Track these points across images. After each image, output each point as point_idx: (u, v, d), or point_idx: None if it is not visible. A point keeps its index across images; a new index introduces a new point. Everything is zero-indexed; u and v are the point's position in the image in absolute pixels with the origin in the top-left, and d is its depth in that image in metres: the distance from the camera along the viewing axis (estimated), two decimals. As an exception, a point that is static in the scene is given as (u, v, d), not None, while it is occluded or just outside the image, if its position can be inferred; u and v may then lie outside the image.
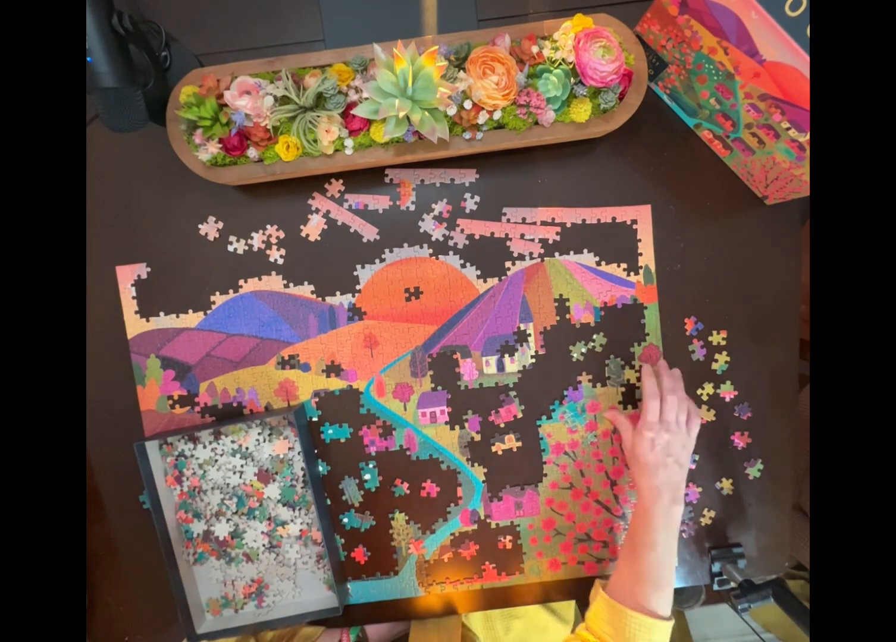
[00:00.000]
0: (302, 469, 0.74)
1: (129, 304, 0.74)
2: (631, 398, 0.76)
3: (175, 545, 0.72)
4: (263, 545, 0.75)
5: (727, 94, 0.62)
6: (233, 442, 0.73)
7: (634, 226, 0.74)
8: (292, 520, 0.75)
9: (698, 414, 0.69)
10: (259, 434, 0.73)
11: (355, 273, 0.74)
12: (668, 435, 0.65)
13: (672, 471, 0.64)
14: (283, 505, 0.74)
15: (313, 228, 0.74)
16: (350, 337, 0.74)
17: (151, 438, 0.71)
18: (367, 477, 0.76)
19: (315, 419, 0.75)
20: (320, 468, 0.75)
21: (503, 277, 0.74)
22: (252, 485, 0.74)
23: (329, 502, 0.76)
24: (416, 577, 0.77)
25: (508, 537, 0.77)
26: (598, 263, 0.75)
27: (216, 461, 0.74)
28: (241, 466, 0.74)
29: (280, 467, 0.74)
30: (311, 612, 0.72)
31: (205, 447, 0.73)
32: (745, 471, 0.77)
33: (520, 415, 0.76)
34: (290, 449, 0.74)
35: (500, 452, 0.76)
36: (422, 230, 0.74)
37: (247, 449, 0.74)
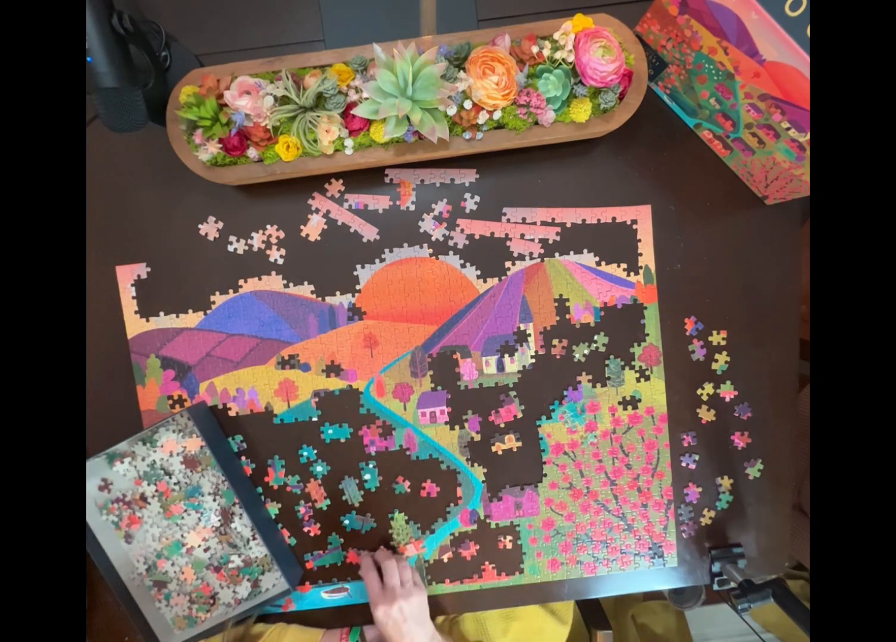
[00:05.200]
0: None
1: (129, 304, 0.74)
2: (631, 399, 0.76)
3: (125, 574, 0.72)
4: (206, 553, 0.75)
5: (727, 94, 0.62)
6: (153, 450, 0.73)
7: (634, 226, 0.74)
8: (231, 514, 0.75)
9: (416, 574, 0.72)
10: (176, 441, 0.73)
11: (355, 273, 0.74)
12: (401, 600, 0.66)
13: (415, 635, 0.66)
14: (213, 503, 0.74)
15: (313, 228, 0.74)
16: (350, 337, 0.74)
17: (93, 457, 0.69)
18: (367, 477, 0.76)
19: (315, 419, 0.75)
20: (320, 468, 0.75)
21: (503, 277, 0.74)
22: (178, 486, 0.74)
23: (330, 502, 0.76)
24: (416, 577, 0.77)
25: (508, 537, 0.77)
26: (598, 263, 0.75)
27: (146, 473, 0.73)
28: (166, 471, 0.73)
29: (199, 464, 0.73)
30: (267, 600, 0.72)
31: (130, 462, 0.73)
32: (745, 471, 0.77)
33: (520, 415, 0.76)
34: (202, 447, 0.73)
35: (499, 452, 0.76)
36: (422, 230, 0.74)
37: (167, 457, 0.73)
